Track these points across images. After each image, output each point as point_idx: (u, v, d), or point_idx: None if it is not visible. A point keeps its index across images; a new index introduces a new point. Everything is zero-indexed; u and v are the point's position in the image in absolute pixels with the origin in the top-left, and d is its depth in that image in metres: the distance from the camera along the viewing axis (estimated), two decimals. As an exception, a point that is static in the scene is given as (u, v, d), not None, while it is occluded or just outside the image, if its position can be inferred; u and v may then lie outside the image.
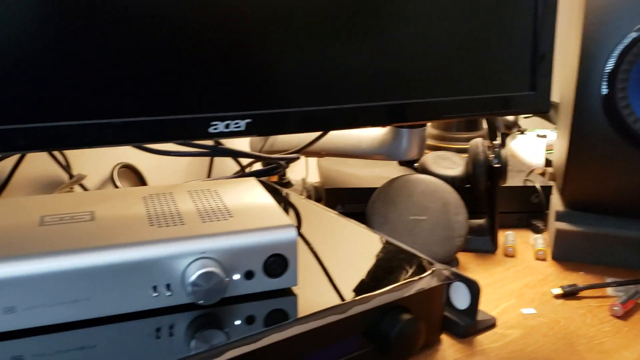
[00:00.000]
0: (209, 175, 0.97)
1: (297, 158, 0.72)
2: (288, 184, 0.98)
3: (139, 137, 0.48)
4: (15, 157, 0.80)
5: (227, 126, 0.51)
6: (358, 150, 0.80)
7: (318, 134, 0.78)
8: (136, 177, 0.91)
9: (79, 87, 0.45)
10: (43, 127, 0.44)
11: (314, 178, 1.04)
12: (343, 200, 0.83)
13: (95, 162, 0.87)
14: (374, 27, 0.55)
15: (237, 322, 0.46)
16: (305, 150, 0.79)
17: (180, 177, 0.98)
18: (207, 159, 0.99)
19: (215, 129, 0.50)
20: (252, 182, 0.60)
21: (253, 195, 0.56)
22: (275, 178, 0.97)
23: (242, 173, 0.84)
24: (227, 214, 0.51)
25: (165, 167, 0.96)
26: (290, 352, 0.45)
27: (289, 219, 0.50)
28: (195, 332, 0.44)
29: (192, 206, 0.53)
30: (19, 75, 0.43)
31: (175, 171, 0.98)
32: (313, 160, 1.06)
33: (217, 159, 0.99)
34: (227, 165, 1.03)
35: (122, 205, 0.53)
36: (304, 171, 1.04)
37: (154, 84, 0.47)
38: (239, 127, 0.51)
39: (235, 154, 0.64)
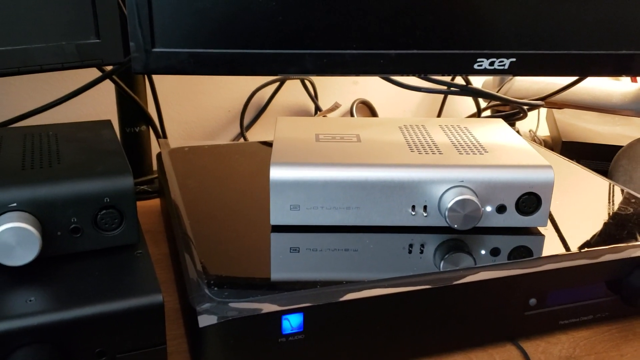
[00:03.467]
0: (439, 116, 0.99)
1: (541, 105, 0.71)
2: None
3: (408, 69, 0.52)
4: (274, 85, 0.90)
5: (491, 64, 0.52)
6: (606, 104, 0.76)
7: (563, 84, 0.76)
8: (370, 113, 0.96)
9: (366, 21, 0.49)
10: (331, 54, 0.50)
11: (542, 132, 1.01)
12: (581, 154, 0.80)
13: (337, 97, 0.94)
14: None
15: (483, 252, 0.48)
16: (546, 100, 0.78)
17: (410, 116, 1.02)
18: (438, 101, 1.01)
19: (480, 65, 0.52)
20: (501, 123, 0.61)
21: (505, 135, 0.57)
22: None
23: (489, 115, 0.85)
24: (482, 149, 0.53)
25: (396, 105, 1.01)
26: (534, 286, 0.47)
27: (546, 160, 0.51)
28: (444, 253, 0.48)
29: (446, 139, 0.56)
30: (319, 5, 0.48)
31: (405, 110, 1.02)
32: (542, 114, 1.03)
33: (447, 102, 1.01)
34: (457, 107, 1.04)
35: (382, 132, 0.57)
36: (531, 123, 1.01)
37: (427, 20, 0.50)
38: (503, 65, 0.52)
39: (484, 95, 0.65)
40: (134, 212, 0.43)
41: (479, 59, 0.52)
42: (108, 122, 0.54)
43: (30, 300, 0.37)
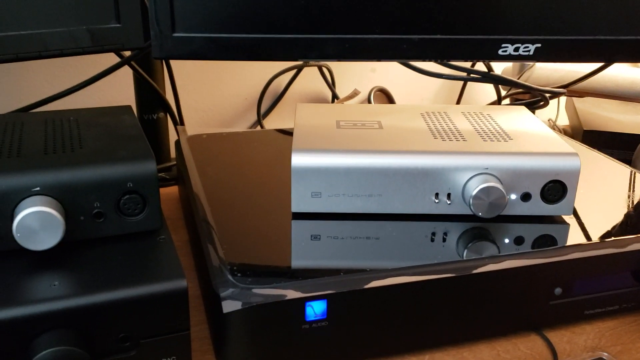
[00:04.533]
0: (458, 104, 0.98)
1: (564, 93, 0.70)
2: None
3: (431, 54, 0.51)
4: (292, 73, 0.89)
5: (516, 49, 0.51)
6: (630, 92, 0.75)
7: (585, 72, 0.75)
8: (388, 100, 0.96)
9: (388, 5, 0.48)
10: (353, 39, 0.49)
11: (561, 121, 1.00)
12: (602, 143, 0.79)
13: (355, 84, 0.93)
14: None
15: (507, 240, 0.47)
16: (568, 88, 0.76)
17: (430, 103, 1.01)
18: (456, 88, 1.00)
19: (505, 51, 0.51)
20: (524, 110, 0.60)
21: (528, 122, 0.56)
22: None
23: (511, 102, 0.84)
24: (506, 136, 0.52)
25: (414, 93, 1.00)
26: (559, 276, 0.46)
27: (572, 147, 0.50)
28: (468, 242, 0.47)
29: (469, 126, 0.55)
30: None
31: (423, 98, 1.01)
32: (561, 103, 1.01)
33: (465, 89, 0.99)
34: (475, 95, 1.03)
35: (404, 119, 0.57)
36: (550, 112, 1.00)
37: (451, 5, 0.49)
38: (528, 51, 0.51)
39: (506, 82, 0.64)
40: (157, 198, 0.43)
41: (503, 45, 0.51)
42: (128, 108, 0.54)
43: (54, 285, 0.37)
